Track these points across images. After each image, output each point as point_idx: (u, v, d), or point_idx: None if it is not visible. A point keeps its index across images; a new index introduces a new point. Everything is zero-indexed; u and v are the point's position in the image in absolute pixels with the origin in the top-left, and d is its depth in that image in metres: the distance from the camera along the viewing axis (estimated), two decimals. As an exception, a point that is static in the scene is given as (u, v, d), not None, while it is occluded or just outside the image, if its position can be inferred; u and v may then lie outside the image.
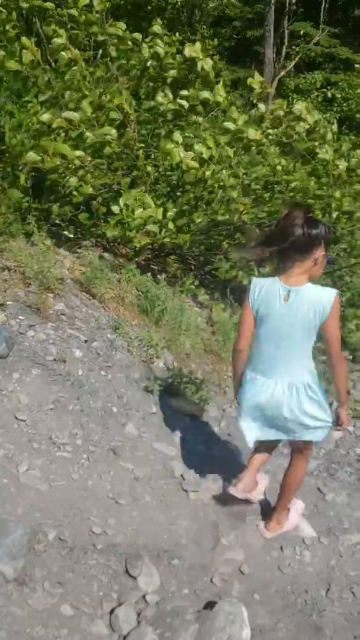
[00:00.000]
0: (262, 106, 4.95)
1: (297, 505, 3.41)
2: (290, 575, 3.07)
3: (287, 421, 2.75)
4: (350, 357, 5.82)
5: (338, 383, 2.74)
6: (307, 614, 2.81)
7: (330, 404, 2.83)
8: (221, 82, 5.20)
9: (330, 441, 4.49)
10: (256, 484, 3.29)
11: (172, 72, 5.45)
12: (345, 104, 11.69)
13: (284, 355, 2.67)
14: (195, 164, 4.93)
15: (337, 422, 2.82)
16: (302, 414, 2.70)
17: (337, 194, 5.69)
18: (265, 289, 2.65)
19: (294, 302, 2.58)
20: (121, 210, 5.06)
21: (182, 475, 3.52)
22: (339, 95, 12.01)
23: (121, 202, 5.02)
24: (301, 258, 2.58)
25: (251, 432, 2.91)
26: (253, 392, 2.76)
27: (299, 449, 3.01)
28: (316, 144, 5.78)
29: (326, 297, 2.56)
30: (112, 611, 2.57)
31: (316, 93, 12.08)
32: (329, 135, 5.60)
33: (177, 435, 3.96)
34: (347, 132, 11.32)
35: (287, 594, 2.95)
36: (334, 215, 5.81)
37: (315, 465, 4.09)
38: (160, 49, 5.48)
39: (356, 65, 11.39)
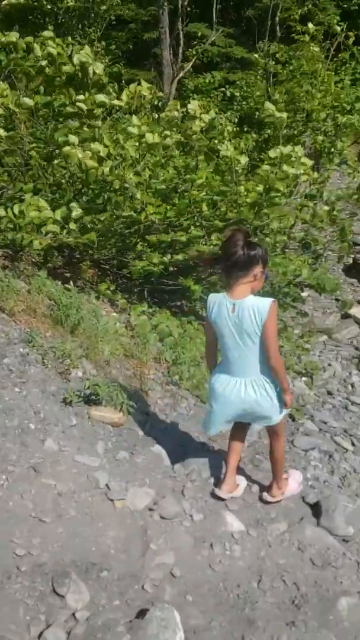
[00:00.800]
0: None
1: (295, 475, 3.79)
2: (222, 572, 3.08)
3: (249, 412, 3.30)
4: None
5: (278, 377, 3.20)
6: (239, 609, 2.83)
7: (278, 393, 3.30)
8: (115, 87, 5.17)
9: (253, 433, 4.56)
10: (237, 485, 3.68)
11: (67, 68, 5.36)
12: (244, 102, 12.00)
13: (241, 357, 3.15)
14: (93, 163, 4.87)
15: (285, 404, 3.34)
16: (258, 405, 3.23)
17: (242, 188, 5.79)
18: (217, 304, 3.12)
19: (239, 313, 3.03)
20: (15, 214, 4.94)
21: (107, 485, 3.45)
22: (237, 94, 12.30)
23: (16, 208, 4.89)
24: (242, 275, 3.03)
25: (215, 427, 3.50)
26: (222, 389, 3.28)
27: (272, 431, 3.48)
28: (216, 141, 5.86)
29: (263, 304, 3.00)
30: (40, 634, 2.47)
31: (216, 92, 12.31)
32: (226, 132, 5.68)
33: (100, 445, 3.89)
34: (249, 130, 11.60)
35: (220, 591, 2.96)
36: (243, 209, 5.91)
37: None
38: (53, 49, 5.38)
39: (255, 55, 11.64)
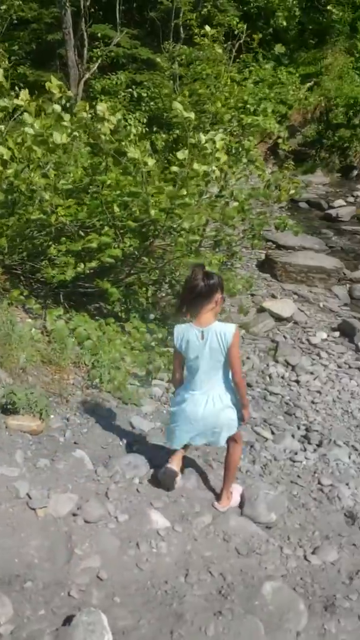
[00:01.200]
0: (57, 107, 4.84)
1: (238, 488, 3.93)
2: (149, 570, 3.08)
3: (211, 424, 3.55)
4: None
5: (240, 392, 3.55)
6: (168, 604, 2.84)
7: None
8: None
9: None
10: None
11: None
12: (152, 103, 12.06)
13: (209, 376, 3.47)
14: (-3, 166, 4.74)
15: (242, 419, 3.63)
16: (220, 418, 3.52)
17: (150, 189, 5.79)
18: (184, 334, 3.42)
19: (207, 338, 3.35)
20: None
21: (27, 494, 3.36)
22: (145, 95, 12.35)
23: None
24: (206, 303, 3.35)
25: (178, 440, 3.71)
26: (188, 405, 3.54)
27: (232, 439, 3.69)
28: (123, 143, 5.84)
29: (229, 330, 3.35)
30: None
31: (123, 93, 12.30)
32: (132, 135, 5.68)
33: (19, 454, 3.78)
34: (158, 130, 11.67)
35: (148, 589, 2.95)
36: (152, 212, 5.92)
37: (163, 456, 4.14)
38: None
39: (158, 59, 11.73)
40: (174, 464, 3.79)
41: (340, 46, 15.18)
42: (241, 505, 3.81)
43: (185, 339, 3.41)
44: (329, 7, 14.20)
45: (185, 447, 3.87)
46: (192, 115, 5.96)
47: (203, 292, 3.32)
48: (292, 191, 6.15)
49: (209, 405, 3.49)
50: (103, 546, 3.15)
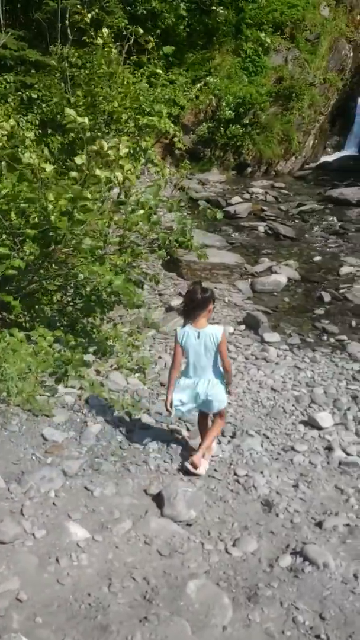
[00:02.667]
0: None
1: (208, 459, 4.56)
2: (71, 585, 3.01)
3: (205, 400, 4.46)
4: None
5: (227, 374, 4.56)
6: (92, 617, 2.78)
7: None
8: None
9: (90, 437, 4.53)
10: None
11: None
12: (45, 105, 11.79)
13: (202, 366, 4.42)
14: None
15: (229, 392, 4.70)
16: (212, 395, 4.44)
17: (50, 196, 5.65)
18: (185, 334, 4.36)
19: (202, 338, 4.32)
20: None
21: None
22: (35, 96, 12.05)
23: None
24: (201, 312, 4.32)
25: (179, 410, 4.54)
26: (188, 386, 4.46)
27: (220, 413, 4.64)
28: (18, 149, 5.66)
29: (218, 331, 4.36)
30: None
31: (12, 96, 11.95)
32: (28, 140, 5.52)
33: None
34: (53, 133, 11.43)
35: (70, 604, 2.88)
36: (52, 218, 5.78)
37: (79, 466, 4.07)
38: None
39: (52, 62, 11.48)
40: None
41: (227, 47, 15.59)
42: (160, 505, 3.82)
43: (186, 339, 4.35)
44: (213, 8, 14.51)
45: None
46: (85, 120, 5.87)
47: (200, 303, 4.29)
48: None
49: (205, 384, 4.44)
50: (21, 566, 3.04)
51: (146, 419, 5.29)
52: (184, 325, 4.43)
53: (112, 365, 6.33)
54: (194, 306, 4.32)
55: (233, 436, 5.18)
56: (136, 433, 4.89)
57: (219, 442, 5.03)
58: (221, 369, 4.51)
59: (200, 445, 4.56)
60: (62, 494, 3.72)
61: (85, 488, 3.84)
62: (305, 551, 3.44)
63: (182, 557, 3.33)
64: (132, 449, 4.61)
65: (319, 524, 3.90)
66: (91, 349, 6.29)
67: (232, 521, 3.86)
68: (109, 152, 5.39)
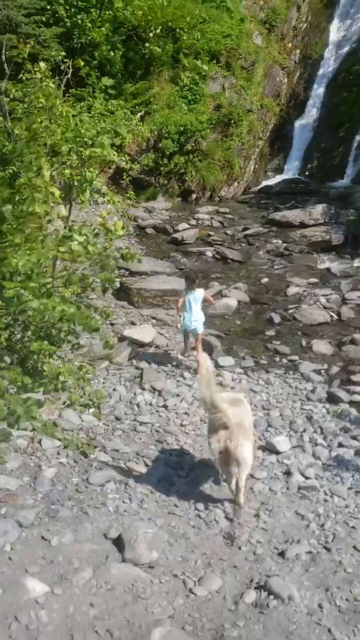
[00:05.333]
0: None
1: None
2: (30, 645, 2.88)
3: (193, 323, 7.53)
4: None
5: (209, 302, 7.94)
6: None
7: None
8: None
9: (45, 482, 4.40)
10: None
11: None
12: (-17, 140, 11.67)
13: (192, 308, 7.47)
14: None
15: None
16: (197, 321, 7.52)
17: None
18: (186, 293, 7.54)
19: (194, 294, 7.48)
20: None
21: None
22: (-26, 132, 11.92)
23: None
24: (194, 284, 7.54)
25: (186, 330, 7.74)
26: (186, 318, 7.51)
27: (199, 336, 7.75)
28: None
29: (202, 292, 7.63)
30: None
31: None
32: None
33: None
34: (-6, 167, 11.27)
35: (31, 667, 2.75)
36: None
37: (34, 515, 3.92)
38: None
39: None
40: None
41: (165, 76, 15.86)
42: (121, 549, 3.72)
43: (187, 295, 7.51)
44: (147, 45, 14.81)
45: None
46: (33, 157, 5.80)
47: (193, 279, 7.58)
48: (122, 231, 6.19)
49: (196, 316, 7.51)
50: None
51: (103, 457, 5.19)
52: (186, 291, 7.57)
53: (64, 402, 6.21)
54: (192, 280, 7.61)
55: (192, 468, 5.14)
56: (93, 473, 4.78)
57: (179, 476, 4.98)
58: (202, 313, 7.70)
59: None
60: (17, 546, 3.57)
61: (42, 538, 3.71)
62: (269, 585, 3.41)
63: (145, 602, 3.25)
64: (90, 491, 4.50)
65: (282, 554, 3.89)
66: (42, 387, 6.15)
67: (194, 558, 3.81)
68: (36, 180, 5.35)
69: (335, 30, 19.10)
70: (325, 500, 4.69)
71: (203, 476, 4.96)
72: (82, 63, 10.73)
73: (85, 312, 5.82)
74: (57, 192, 5.75)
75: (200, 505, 4.47)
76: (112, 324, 8.97)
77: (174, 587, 3.45)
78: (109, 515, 4.16)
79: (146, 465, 5.24)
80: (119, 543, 3.76)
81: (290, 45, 18.64)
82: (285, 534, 4.14)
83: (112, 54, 14.25)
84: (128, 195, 11.33)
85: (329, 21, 19.21)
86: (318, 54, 18.77)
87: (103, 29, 13.76)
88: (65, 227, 6.66)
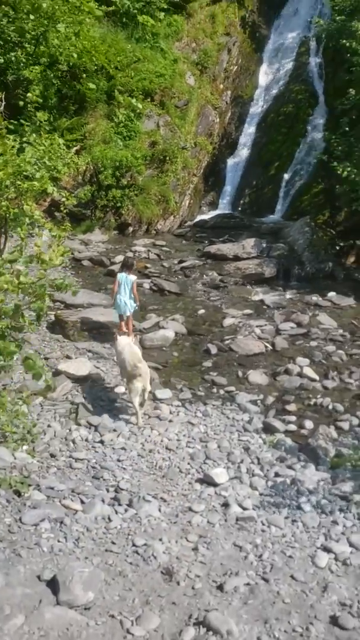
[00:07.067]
0: None
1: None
2: None
3: (126, 307, 9.02)
4: None
5: (135, 299, 9.15)
6: None
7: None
8: None
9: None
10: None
11: None
12: None
13: (124, 291, 8.96)
14: None
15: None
16: (129, 304, 9.00)
17: None
18: (121, 276, 9.00)
19: (127, 278, 8.98)
20: None
21: None
22: None
23: None
24: (130, 268, 9.17)
25: (119, 312, 9.20)
26: (120, 300, 8.96)
27: (129, 318, 9.19)
28: None
29: (133, 277, 9.09)
30: None
31: None
32: None
33: None
34: None
35: None
36: None
37: None
38: None
39: None
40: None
41: (101, 112, 16.05)
42: (56, 591, 3.59)
43: (121, 277, 8.84)
44: (82, 82, 15.01)
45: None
46: None
47: (130, 265, 9.12)
48: (60, 258, 6.16)
49: (127, 298, 8.82)
50: None
51: (37, 495, 5.03)
52: (121, 275, 8.95)
53: (-4, 440, 6.00)
54: (128, 265, 9.08)
55: (130, 504, 5.05)
56: (26, 513, 4.62)
57: (116, 512, 4.89)
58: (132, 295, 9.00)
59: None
60: None
61: (-29, 586, 3.53)
62: (208, 620, 3.37)
63: (81, 647, 3.13)
64: (23, 531, 4.33)
65: (220, 587, 3.85)
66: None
67: (132, 597, 3.72)
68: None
69: (264, 74, 20.04)
70: (263, 531, 4.71)
71: (141, 511, 4.88)
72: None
73: (33, 356, 5.69)
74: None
75: (138, 541, 4.38)
76: (46, 358, 8.79)
77: (111, 628, 3.35)
78: (43, 555, 4.01)
79: (82, 502, 5.10)
80: (53, 585, 3.63)
81: (221, 86, 19.32)
82: (223, 566, 4.12)
83: (46, 90, 14.31)
84: (64, 227, 11.27)
85: (258, 65, 20.14)
86: (248, 96, 19.58)
87: (37, 65, 13.84)
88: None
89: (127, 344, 7.47)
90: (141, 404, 6.90)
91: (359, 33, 13.34)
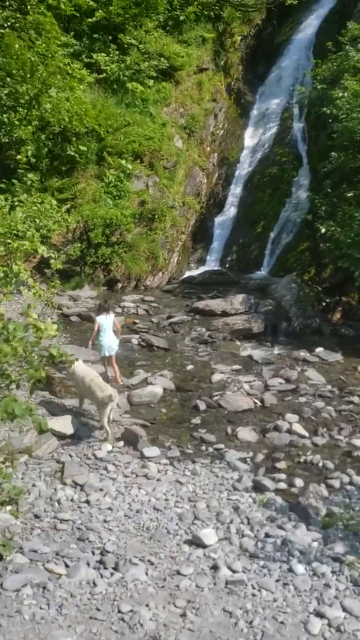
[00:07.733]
0: None
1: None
2: None
3: (110, 348, 9.66)
4: None
5: (118, 333, 10.08)
6: None
7: None
8: None
9: None
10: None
11: None
12: None
13: (108, 333, 9.58)
14: None
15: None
16: (113, 344, 9.69)
17: None
18: (101, 318, 9.61)
19: (108, 320, 9.64)
20: None
21: None
22: None
23: None
24: (108, 310, 9.86)
25: (103, 353, 9.75)
26: (104, 342, 9.56)
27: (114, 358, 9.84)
28: None
29: (112, 315, 9.82)
30: None
31: None
32: None
33: None
34: None
35: None
36: None
37: None
38: None
39: None
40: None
41: (91, 172, 16.49)
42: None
43: (102, 320, 9.44)
44: (73, 143, 15.49)
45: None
46: None
47: (108, 308, 9.85)
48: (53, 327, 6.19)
49: (111, 340, 9.52)
50: None
51: (20, 559, 4.87)
52: (99, 314, 9.70)
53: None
54: (105, 308, 9.76)
55: (116, 567, 4.89)
56: (8, 577, 4.45)
57: (102, 576, 4.71)
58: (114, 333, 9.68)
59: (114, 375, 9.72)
60: None
61: None
62: None
63: None
64: (4, 598, 4.16)
65: (210, 657, 3.69)
66: None
67: (117, 669, 3.54)
68: None
69: (249, 137, 20.87)
70: (253, 595, 4.55)
71: (127, 575, 4.71)
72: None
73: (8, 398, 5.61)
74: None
75: (124, 607, 4.21)
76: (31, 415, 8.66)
77: None
78: (24, 624, 3.84)
79: (66, 566, 4.92)
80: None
81: (208, 149, 20.02)
82: (212, 634, 3.95)
83: (38, 151, 14.72)
84: (53, 284, 11.37)
85: (243, 129, 21.02)
86: (234, 158, 20.30)
87: (30, 127, 14.28)
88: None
89: (85, 368, 8.45)
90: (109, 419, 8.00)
91: (338, 101, 14.01)
